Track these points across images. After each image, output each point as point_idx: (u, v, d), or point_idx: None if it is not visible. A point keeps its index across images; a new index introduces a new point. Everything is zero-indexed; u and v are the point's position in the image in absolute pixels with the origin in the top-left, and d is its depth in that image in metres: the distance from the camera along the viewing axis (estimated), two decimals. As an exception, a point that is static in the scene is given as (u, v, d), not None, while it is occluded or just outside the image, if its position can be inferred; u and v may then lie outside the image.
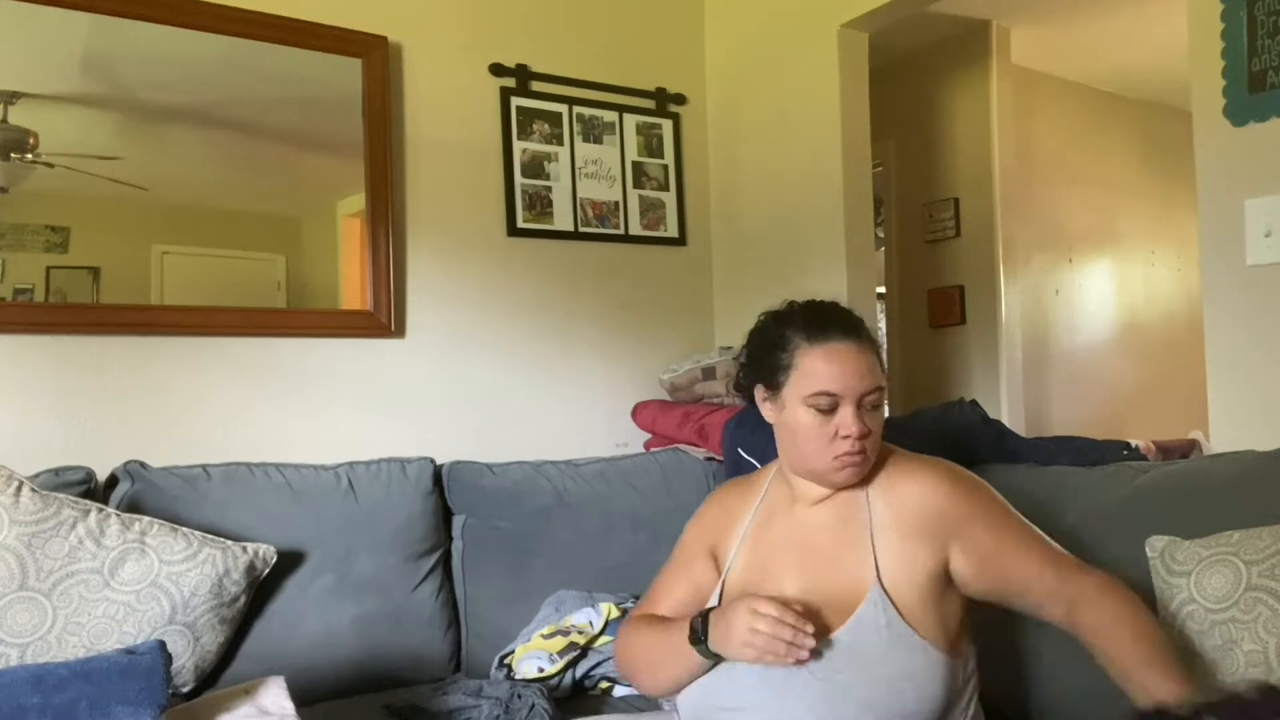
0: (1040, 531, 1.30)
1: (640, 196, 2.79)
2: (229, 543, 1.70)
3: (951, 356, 4.12)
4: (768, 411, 1.34)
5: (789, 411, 1.28)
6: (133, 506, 1.75)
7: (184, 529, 1.68)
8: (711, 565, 1.39)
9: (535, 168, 2.61)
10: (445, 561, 2.03)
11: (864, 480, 1.29)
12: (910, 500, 1.27)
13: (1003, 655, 1.55)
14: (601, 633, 1.85)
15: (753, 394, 1.36)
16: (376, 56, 2.34)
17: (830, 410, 1.24)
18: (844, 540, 1.27)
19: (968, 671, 1.27)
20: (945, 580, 1.25)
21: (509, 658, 1.85)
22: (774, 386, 1.30)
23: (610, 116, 2.75)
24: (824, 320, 1.29)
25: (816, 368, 1.25)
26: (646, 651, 1.34)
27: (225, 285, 2.18)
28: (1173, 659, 1.16)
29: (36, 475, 1.69)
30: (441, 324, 2.45)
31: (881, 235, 4.27)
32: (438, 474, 2.08)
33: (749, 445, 2.05)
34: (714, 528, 1.43)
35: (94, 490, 1.78)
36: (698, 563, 1.40)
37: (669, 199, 2.84)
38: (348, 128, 2.32)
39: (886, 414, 1.33)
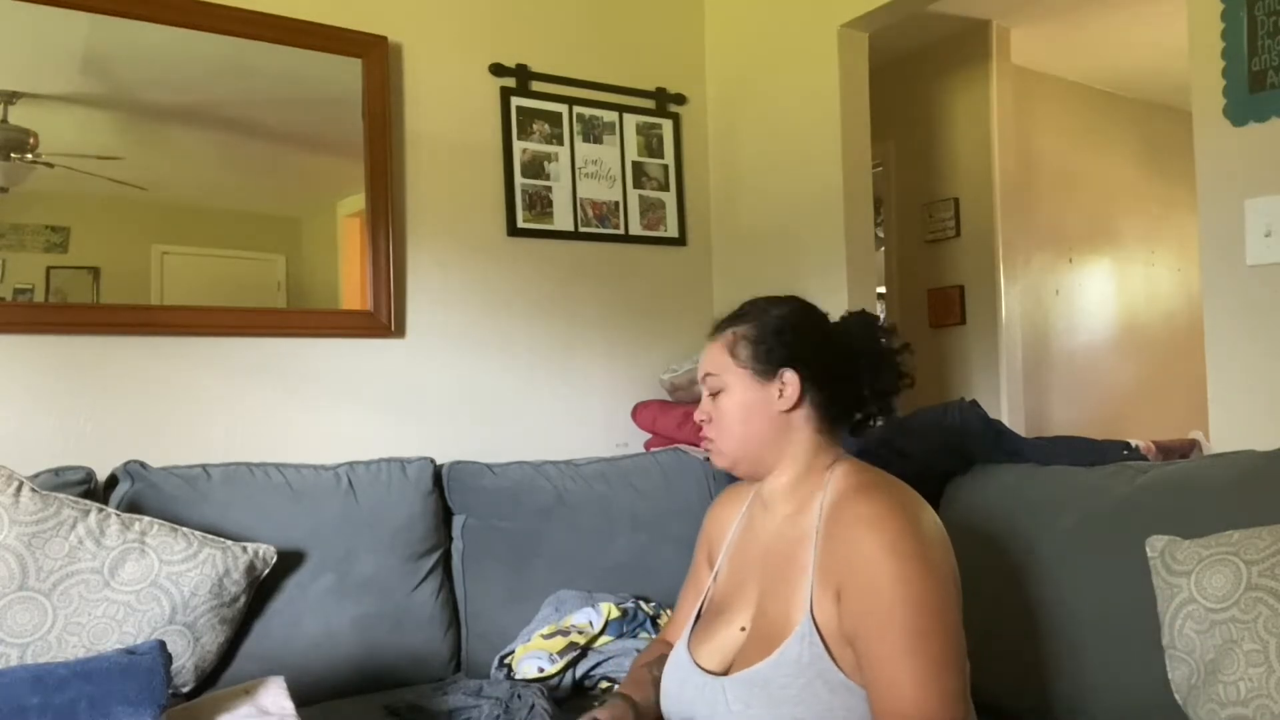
0: (944, 635, 1.10)
1: (640, 196, 2.79)
2: (229, 543, 1.70)
3: (951, 356, 4.12)
4: None
5: None
6: (133, 506, 1.75)
7: (184, 529, 1.68)
8: (708, 576, 1.41)
9: (535, 168, 2.61)
10: (445, 561, 2.03)
11: (824, 501, 1.22)
12: (837, 541, 1.18)
13: (1010, 656, 1.55)
14: (601, 633, 1.85)
15: None
16: (376, 56, 2.34)
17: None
18: (792, 567, 1.22)
19: None
20: None
21: (509, 658, 1.85)
22: None
23: (610, 116, 2.75)
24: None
25: None
26: None
27: (225, 285, 2.18)
28: None
29: (36, 475, 1.69)
30: (441, 324, 2.45)
31: (881, 235, 4.28)
32: (438, 474, 2.08)
33: (749, 445, 2.05)
34: (710, 537, 1.45)
35: (94, 490, 1.77)
36: (701, 575, 1.44)
37: (669, 199, 2.84)
38: (348, 128, 2.32)
39: (737, 405, 1.27)
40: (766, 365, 1.26)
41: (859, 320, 1.34)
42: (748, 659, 1.20)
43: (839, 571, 1.15)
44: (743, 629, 1.26)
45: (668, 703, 1.29)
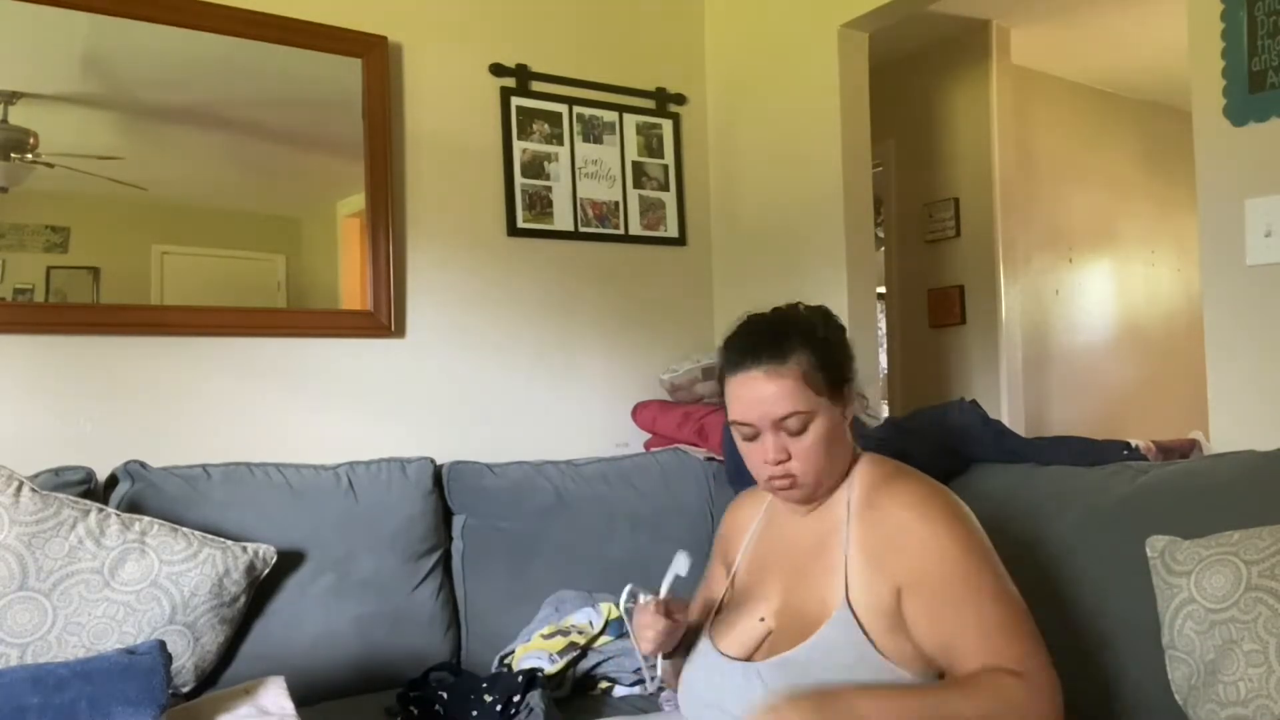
0: (1010, 591, 1.17)
1: (640, 196, 2.79)
2: (229, 543, 1.70)
3: (951, 356, 4.12)
4: None
5: (734, 434, 1.29)
6: (133, 506, 1.75)
7: (184, 529, 1.68)
8: (724, 575, 1.43)
9: (535, 168, 2.61)
10: (445, 561, 2.03)
11: (851, 495, 1.26)
12: (878, 525, 1.21)
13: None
14: (601, 632, 1.85)
15: None
16: (376, 56, 2.34)
17: (753, 438, 1.24)
18: (822, 557, 1.25)
19: None
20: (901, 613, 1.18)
21: (509, 658, 1.85)
22: (726, 409, 1.30)
23: (610, 116, 2.75)
24: (742, 346, 1.25)
25: (733, 397, 1.25)
26: None
27: (225, 285, 2.18)
28: None
29: (36, 475, 1.69)
30: (441, 324, 2.45)
31: (881, 235, 4.27)
32: (438, 474, 2.08)
33: (749, 445, 2.05)
34: (726, 538, 1.47)
35: (94, 490, 1.78)
36: (714, 574, 1.47)
37: (669, 199, 2.84)
38: (348, 128, 2.32)
39: (823, 432, 1.23)
40: (836, 388, 1.24)
41: (826, 310, 1.34)
42: (777, 646, 1.21)
43: (897, 566, 1.17)
44: (761, 619, 1.27)
45: (690, 691, 1.29)
